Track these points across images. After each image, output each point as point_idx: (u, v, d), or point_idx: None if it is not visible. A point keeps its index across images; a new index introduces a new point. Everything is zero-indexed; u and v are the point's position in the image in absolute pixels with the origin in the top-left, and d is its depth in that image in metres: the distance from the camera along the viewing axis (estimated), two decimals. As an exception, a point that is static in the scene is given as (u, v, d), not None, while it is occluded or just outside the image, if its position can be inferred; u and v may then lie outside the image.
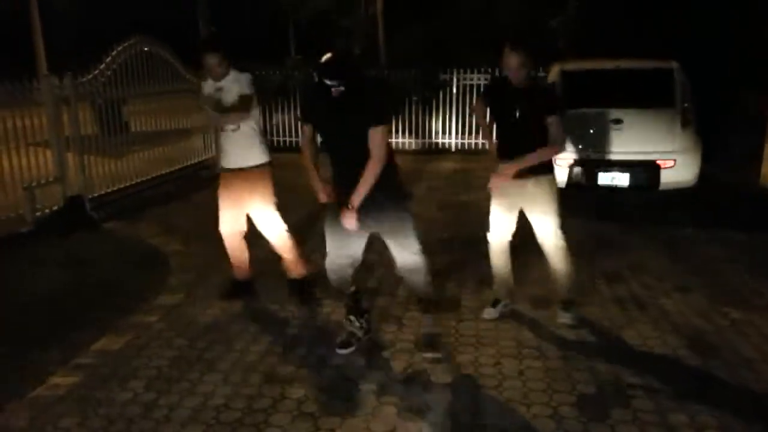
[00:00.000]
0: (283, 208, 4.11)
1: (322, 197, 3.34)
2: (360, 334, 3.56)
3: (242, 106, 3.83)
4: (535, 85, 3.69)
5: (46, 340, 3.65)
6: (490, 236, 3.85)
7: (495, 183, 3.64)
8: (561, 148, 3.60)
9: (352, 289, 3.56)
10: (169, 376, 3.26)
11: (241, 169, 3.94)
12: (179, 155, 8.46)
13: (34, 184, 5.95)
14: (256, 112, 3.97)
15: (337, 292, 3.64)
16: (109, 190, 6.93)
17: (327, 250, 3.42)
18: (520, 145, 3.53)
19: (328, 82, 2.96)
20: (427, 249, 3.43)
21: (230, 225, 4.08)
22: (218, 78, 3.89)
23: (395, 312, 4.01)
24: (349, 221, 3.16)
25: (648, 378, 3.18)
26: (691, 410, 2.89)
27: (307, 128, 3.36)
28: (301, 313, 4.01)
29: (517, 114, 3.52)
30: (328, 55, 3.03)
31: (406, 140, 10.84)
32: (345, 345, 3.50)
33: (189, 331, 3.78)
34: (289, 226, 4.15)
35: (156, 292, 4.38)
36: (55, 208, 6.17)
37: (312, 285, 4.24)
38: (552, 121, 3.44)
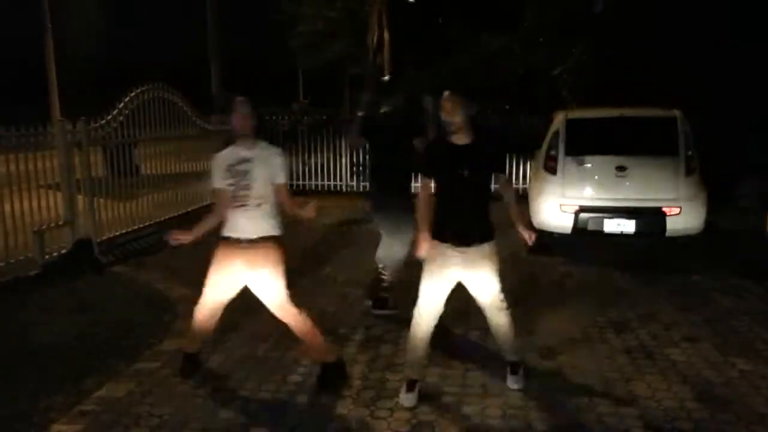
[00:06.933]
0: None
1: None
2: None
3: (293, 200, 3.57)
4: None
5: (50, 386, 3.64)
6: (422, 312, 3.46)
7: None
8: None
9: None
10: (172, 424, 3.23)
11: (257, 240, 3.46)
12: (188, 199, 8.56)
13: (44, 227, 6.00)
14: None
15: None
16: (117, 233, 6.99)
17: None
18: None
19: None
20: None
21: (220, 300, 3.64)
22: (247, 145, 3.44)
23: (399, 360, 3.96)
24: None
25: (658, 431, 3.12)
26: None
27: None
28: (305, 360, 3.97)
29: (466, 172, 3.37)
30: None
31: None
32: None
33: (193, 377, 3.76)
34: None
35: (161, 338, 4.38)
36: (63, 251, 6.22)
37: (343, 369, 3.80)
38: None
